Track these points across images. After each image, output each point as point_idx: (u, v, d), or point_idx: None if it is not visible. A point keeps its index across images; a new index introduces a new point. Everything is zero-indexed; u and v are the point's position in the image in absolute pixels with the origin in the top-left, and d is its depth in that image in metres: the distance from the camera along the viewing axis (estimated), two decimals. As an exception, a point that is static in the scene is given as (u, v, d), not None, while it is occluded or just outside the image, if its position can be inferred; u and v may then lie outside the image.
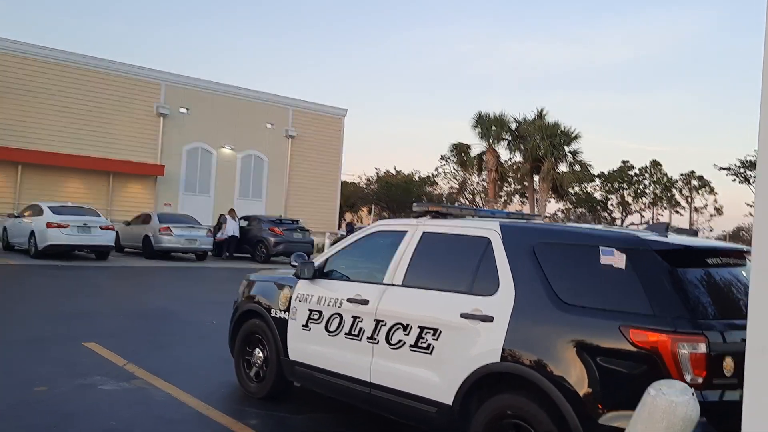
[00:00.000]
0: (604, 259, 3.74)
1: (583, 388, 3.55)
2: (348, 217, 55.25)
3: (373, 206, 55.91)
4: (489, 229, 4.38)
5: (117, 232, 20.21)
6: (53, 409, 5.09)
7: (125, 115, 28.43)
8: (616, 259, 3.70)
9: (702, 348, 3.33)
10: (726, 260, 3.94)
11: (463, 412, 4.10)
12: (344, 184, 43.26)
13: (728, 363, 3.36)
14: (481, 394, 4.04)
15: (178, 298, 12.58)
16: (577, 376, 3.58)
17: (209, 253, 22.46)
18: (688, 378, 3.28)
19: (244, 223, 24.20)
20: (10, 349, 7.11)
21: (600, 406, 3.48)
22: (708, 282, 3.74)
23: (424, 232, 4.81)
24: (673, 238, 3.98)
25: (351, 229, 35.17)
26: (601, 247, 3.79)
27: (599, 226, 4.47)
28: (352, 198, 53.03)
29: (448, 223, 4.77)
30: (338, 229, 36.26)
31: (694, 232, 4.67)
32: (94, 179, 27.63)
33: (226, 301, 12.07)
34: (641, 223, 52.08)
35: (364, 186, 56.56)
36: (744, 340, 3.42)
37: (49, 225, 17.50)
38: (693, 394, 2.23)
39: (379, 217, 55.01)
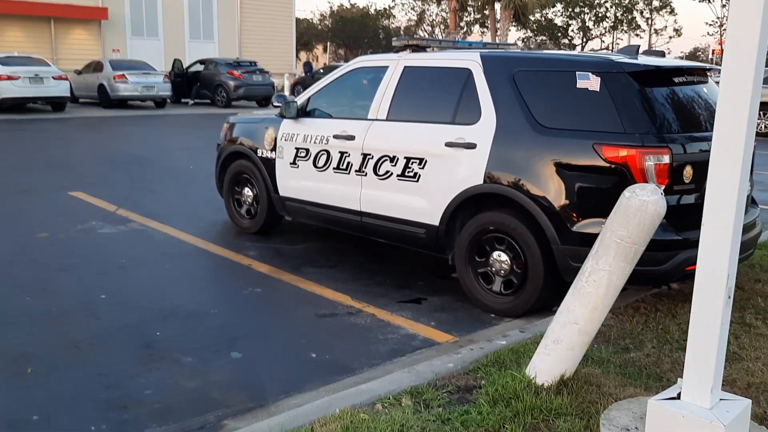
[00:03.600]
0: (580, 83, 3.99)
1: (559, 202, 3.96)
2: (303, 56, 53.62)
3: (328, 44, 54.19)
4: (470, 60, 4.54)
5: (70, 82, 19.49)
6: (63, 252, 5.41)
7: (57, -48, 26.15)
8: (592, 83, 3.96)
9: (666, 159, 3.72)
10: (691, 78, 4.23)
11: (449, 231, 4.54)
12: (297, 21, 41.32)
13: (688, 171, 3.78)
14: (465, 215, 4.45)
15: (148, 145, 12.60)
16: (554, 191, 3.98)
17: (168, 100, 21.97)
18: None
19: (200, 67, 23.48)
20: (-2, 202, 7.28)
21: (574, 215, 3.92)
22: (674, 99, 4.06)
23: (405, 67, 4.94)
24: (643, 60, 4.22)
25: (309, 68, 34.37)
26: (577, 72, 4.02)
27: (574, 52, 4.67)
28: (306, 36, 51.09)
29: (428, 56, 4.91)
30: (295, 68, 35.38)
31: (662, 53, 4.92)
32: (34, 26, 26.02)
33: (198, 146, 12.21)
34: (601, 49, 51.91)
35: (318, 22, 54.38)
36: (702, 151, 3.84)
37: (-2, 77, 16.79)
38: (661, 193, 2.61)
39: (335, 56, 53.55)
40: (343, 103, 5.49)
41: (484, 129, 4.30)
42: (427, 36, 50.43)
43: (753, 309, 4.12)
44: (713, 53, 53.61)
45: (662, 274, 3.80)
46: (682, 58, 55.63)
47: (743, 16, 2.08)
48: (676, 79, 4.14)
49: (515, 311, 4.23)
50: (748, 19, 2.07)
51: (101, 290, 4.55)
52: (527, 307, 4.18)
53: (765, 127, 15.88)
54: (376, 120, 4.97)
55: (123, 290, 4.58)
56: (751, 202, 4.62)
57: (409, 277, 5.07)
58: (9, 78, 16.89)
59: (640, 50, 4.54)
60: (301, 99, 5.67)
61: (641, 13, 53.25)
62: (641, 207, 2.54)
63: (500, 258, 4.29)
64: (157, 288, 4.67)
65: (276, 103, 5.83)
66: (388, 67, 5.06)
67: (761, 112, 15.88)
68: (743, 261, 4.41)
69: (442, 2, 36.00)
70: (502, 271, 4.29)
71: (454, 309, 4.42)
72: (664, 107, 3.97)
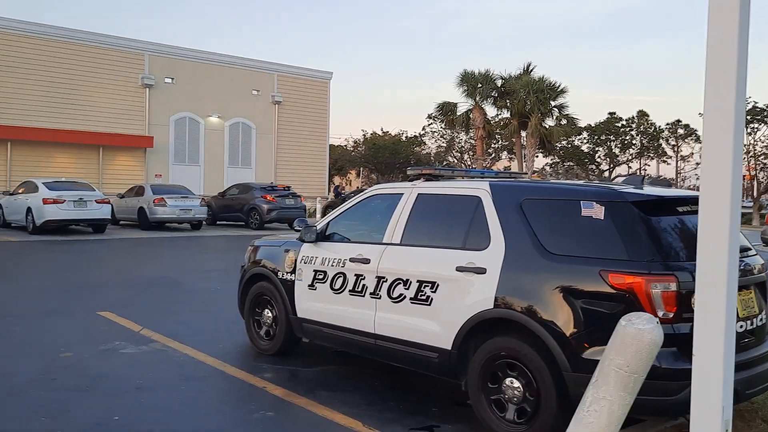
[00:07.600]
0: (585, 212, 4.12)
1: (568, 328, 3.96)
2: (336, 180, 55.41)
3: (362, 169, 56.06)
4: (479, 188, 4.74)
5: (111, 205, 20.43)
6: (84, 372, 5.49)
7: (111, 87, 28.37)
8: (596, 211, 4.08)
9: (672, 287, 3.73)
10: (695, 207, 4.30)
11: (462, 355, 4.52)
12: (332, 147, 43.15)
13: (696, 299, 3.78)
14: (477, 339, 4.46)
15: (179, 267, 12.95)
16: (562, 317, 3.99)
17: (204, 222, 22.77)
18: (660, 313, 3.70)
19: (235, 192, 24.49)
20: (27, 321, 7.47)
21: (584, 342, 3.89)
22: (679, 228, 4.13)
23: (419, 194, 5.16)
24: (647, 190, 4.36)
25: (338, 192, 35.45)
26: (582, 201, 4.16)
27: (580, 182, 4.84)
28: (340, 161, 53.09)
29: (441, 185, 5.13)
30: (327, 193, 36.58)
31: (668, 184, 5.06)
32: (83, 153, 27.72)
33: (225, 268, 12.49)
34: (628, 174, 52.50)
35: (352, 149, 56.58)
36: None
37: (45, 201, 17.73)
38: (657, 322, 2.62)
39: (367, 180, 55.21)
40: (359, 228, 5.69)
41: (494, 254, 4.40)
42: (455, 162, 51.94)
43: (778, 444, 3.93)
44: (745, 179, 53.86)
45: (675, 405, 3.70)
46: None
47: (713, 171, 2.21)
48: (680, 209, 4.23)
49: (529, 441, 4.11)
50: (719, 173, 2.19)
51: (115, 412, 4.57)
52: (541, 437, 4.06)
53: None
54: (391, 244, 5.12)
55: (135, 412, 4.60)
56: (769, 330, 4.53)
57: (424, 403, 4.99)
58: (55, 201, 17.82)
59: (646, 180, 4.69)
60: (320, 224, 5.89)
61: (667, 140, 54.26)
62: (637, 335, 2.56)
63: (513, 384, 4.24)
64: (169, 411, 4.67)
65: (297, 228, 6.06)
66: (402, 194, 5.29)
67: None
68: (761, 393, 4.26)
69: (470, 130, 37.36)
70: (515, 399, 4.22)
71: (466, 438, 4.31)
72: (669, 235, 4.04)
